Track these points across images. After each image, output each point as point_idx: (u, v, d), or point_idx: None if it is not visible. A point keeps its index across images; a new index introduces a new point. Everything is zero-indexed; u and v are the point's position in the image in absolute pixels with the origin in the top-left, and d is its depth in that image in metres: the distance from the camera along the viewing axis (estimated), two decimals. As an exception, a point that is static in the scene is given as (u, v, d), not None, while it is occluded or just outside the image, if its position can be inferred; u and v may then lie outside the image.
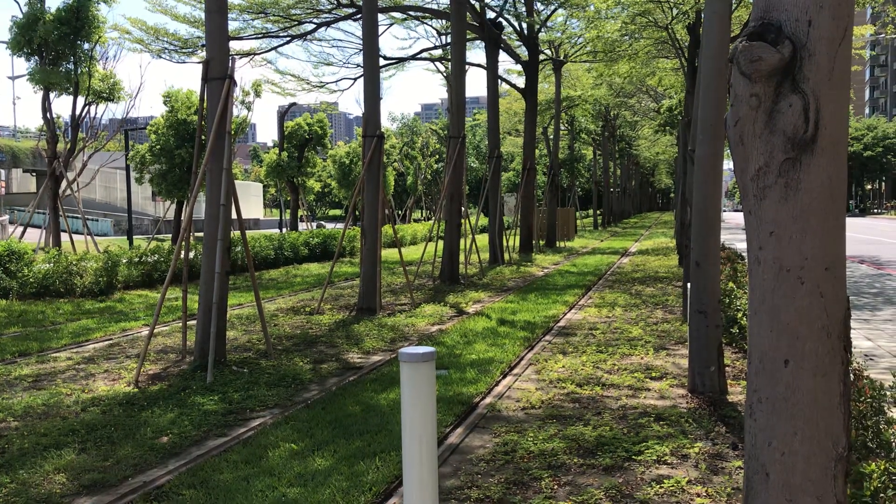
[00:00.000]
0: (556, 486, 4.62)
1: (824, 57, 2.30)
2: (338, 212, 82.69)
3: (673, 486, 4.58)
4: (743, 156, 2.48)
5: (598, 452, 5.20)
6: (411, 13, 24.41)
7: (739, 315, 8.41)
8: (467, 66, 20.17)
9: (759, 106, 2.38)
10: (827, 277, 2.37)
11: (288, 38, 23.05)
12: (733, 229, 39.91)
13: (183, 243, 8.62)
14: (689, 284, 7.12)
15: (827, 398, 2.35)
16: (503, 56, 24.38)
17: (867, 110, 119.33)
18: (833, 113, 2.34)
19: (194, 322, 8.49)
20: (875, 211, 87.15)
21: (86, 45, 18.65)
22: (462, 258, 17.86)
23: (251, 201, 59.72)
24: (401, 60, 26.88)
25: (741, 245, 21.85)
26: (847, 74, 2.36)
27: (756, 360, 2.50)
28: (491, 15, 23.43)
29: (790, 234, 2.38)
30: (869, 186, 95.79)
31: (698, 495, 4.46)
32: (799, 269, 2.37)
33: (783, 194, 2.38)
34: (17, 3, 18.04)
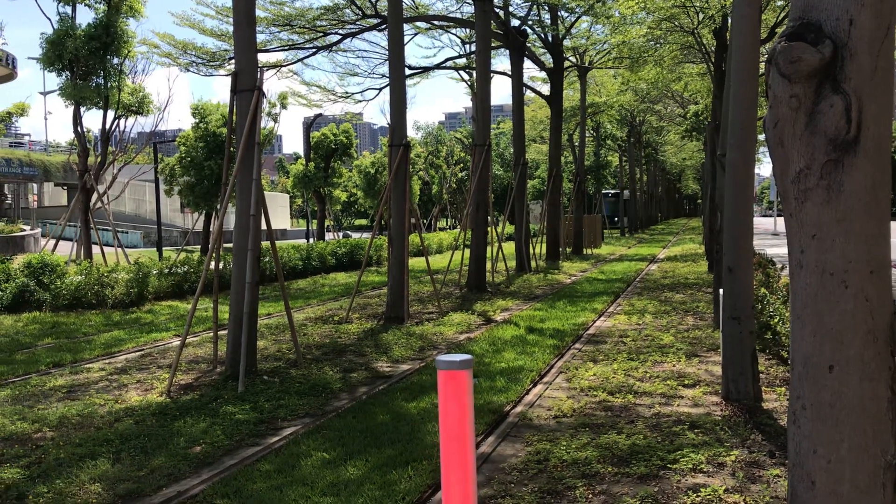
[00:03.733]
0: (590, 496, 4.57)
1: (866, 56, 2.26)
2: (363, 221, 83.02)
3: (710, 494, 4.51)
4: (783, 158, 2.43)
5: (632, 461, 5.14)
6: (436, 23, 24.48)
7: (775, 321, 8.28)
8: (492, 74, 20.16)
9: (800, 107, 2.34)
10: (872, 281, 2.32)
11: (314, 50, 23.21)
12: (762, 234, 39.40)
13: (213, 254, 8.68)
14: (720, 290, 7.03)
15: (874, 404, 2.29)
16: (528, 63, 24.36)
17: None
18: (876, 113, 2.29)
19: (225, 332, 8.54)
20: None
21: (115, 60, 18.93)
22: (489, 266, 17.80)
23: (278, 212, 60.29)
24: (426, 70, 26.95)
25: (771, 251, 21.57)
26: (890, 74, 2.31)
27: (799, 365, 2.45)
28: (515, 23, 23.43)
29: (833, 236, 2.33)
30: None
31: (736, 504, 4.39)
32: (843, 272, 2.32)
33: (825, 197, 2.33)
34: (49, 19, 18.37)
